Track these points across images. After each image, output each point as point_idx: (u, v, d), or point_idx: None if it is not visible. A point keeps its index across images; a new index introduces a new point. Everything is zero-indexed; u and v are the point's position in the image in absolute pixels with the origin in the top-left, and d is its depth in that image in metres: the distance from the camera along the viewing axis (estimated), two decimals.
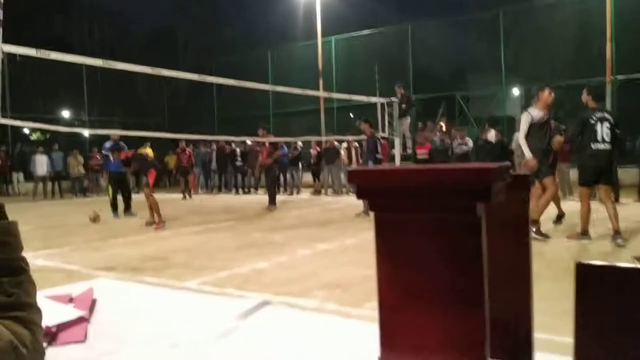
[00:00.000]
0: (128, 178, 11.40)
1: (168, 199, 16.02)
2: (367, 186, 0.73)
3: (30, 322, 0.96)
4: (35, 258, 6.43)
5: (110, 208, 11.01)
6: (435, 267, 0.70)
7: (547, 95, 6.70)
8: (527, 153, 6.53)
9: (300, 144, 16.53)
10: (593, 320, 0.64)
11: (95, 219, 10.17)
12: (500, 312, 0.84)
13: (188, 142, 17.43)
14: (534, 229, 6.44)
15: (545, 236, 6.51)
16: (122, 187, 11.25)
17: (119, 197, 11.14)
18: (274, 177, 12.06)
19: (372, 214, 0.80)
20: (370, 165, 10.33)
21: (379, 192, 0.72)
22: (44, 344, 1.15)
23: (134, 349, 1.14)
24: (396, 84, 14.16)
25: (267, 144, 11.75)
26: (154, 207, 9.24)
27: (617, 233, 6.13)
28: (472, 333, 0.70)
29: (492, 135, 12.74)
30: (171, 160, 19.29)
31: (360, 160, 10.53)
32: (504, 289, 0.85)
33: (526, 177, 0.87)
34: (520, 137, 6.67)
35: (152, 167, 9.67)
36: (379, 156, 10.54)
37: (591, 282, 0.64)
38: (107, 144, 11.12)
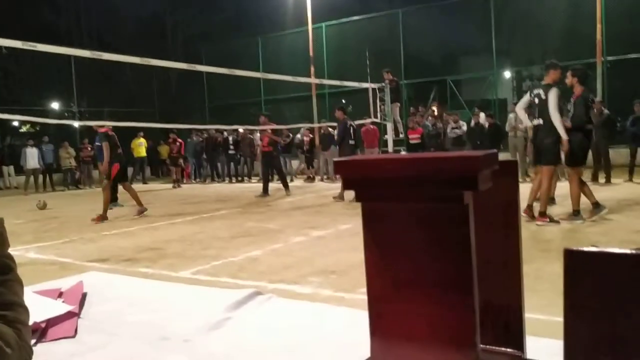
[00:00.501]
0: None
1: (160, 189, 16.00)
2: (353, 177, 0.72)
3: (16, 322, 0.94)
4: (27, 251, 6.40)
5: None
6: (423, 256, 0.70)
7: (559, 73, 6.52)
8: (564, 134, 6.23)
9: (303, 130, 16.48)
10: (582, 305, 0.63)
11: (42, 207, 10.89)
12: (491, 299, 0.84)
13: (178, 131, 17.37)
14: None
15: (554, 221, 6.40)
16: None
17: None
18: (279, 165, 12.06)
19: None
20: (334, 150, 10.68)
21: (365, 182, 0.72)
22: (33, 341, 1.14)
23: (125, 342, 1.13)
24: (384, 70, 14.11)
25: (268, 131, 11.73)
26: (105, 202, 9.03)
27: (576, 212, 6.37)
28: (462, 322, 0.69)
29: (483, 118, 12.79)
30: (163, 150, 19.22)
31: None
32: (495, 276, 0.85)
33: (514, 162, 0.86)
34: (553, 115, 6.22)
35: (118, 160, 9.21)
36: (351, 142, 10.73)
37: (579, 267, 0.63)
38: None
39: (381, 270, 0.73)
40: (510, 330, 0.90)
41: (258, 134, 16.59)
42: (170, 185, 16.77)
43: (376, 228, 0.72)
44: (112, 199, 11.02)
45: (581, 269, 0.63)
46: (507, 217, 0.85)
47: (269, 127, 11.69)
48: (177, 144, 16.84)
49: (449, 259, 0.68)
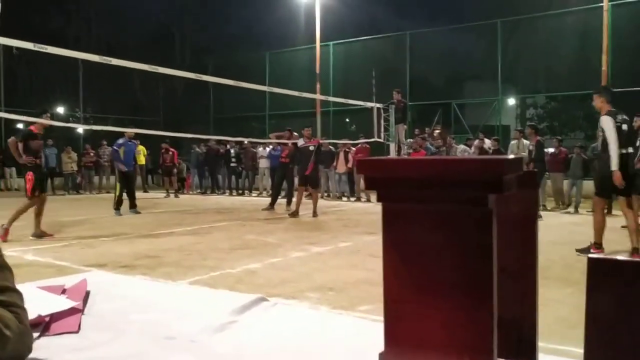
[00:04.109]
0: (136, 175, 11.28)
1: (160, 198, 15.98)
2: (376, 176, 0.72)
3: (12, 305, 0.94)
4: (25, 253, 6.38)
5: (114, 205, 10.89)
6: (443, 259, 0.69)
7: None
8: None
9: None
10: (604, 315, 0.63)
11: None
12: (505, 310, 0.83)
13: (176, 141, 17.33)
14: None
15: None
16: (130, 185, 11.20)
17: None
18: (293, 178, 11.98)
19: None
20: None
21: (388, 182, 0.71)
22: (36, 334, 1.13)
23: (129, 340, 1.12)
24: (395, 90, 14.23)
25: (289, 144, 11.74)
26: (19, 214, 7.54)
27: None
28: (480, 329, 0.68)
29: (488, 143, 12.91)
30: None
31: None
32: (510, 286, 0.84)
33: (534, 173, 0.86)
34: None
35: (31, 169, 7.50)
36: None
37: (603, 276, 0.63)
38: (121, 140, 11.11)
39: (399, 272, 0.72)
40: (523, 344, 0.89)
41: (261, 148, 16.63)
42: (163, 195, 16.68)
43: (396, 229, 0.72)
44: (131, 206, 11.00)
45: (604, 278, 0.63)
46: (525, 227, 0.84)
47: (290, 141, 11.67)
48: (170, 153, 16.74)
49: (469, 263, 0.68)
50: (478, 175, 0.65)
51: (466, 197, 0.66)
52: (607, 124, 5.90)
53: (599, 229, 6.16)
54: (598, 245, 6.15)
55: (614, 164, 5.79)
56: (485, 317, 0.67)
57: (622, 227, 7.57)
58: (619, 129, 5.88)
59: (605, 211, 8.42)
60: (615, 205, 10.55)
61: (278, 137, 12.42)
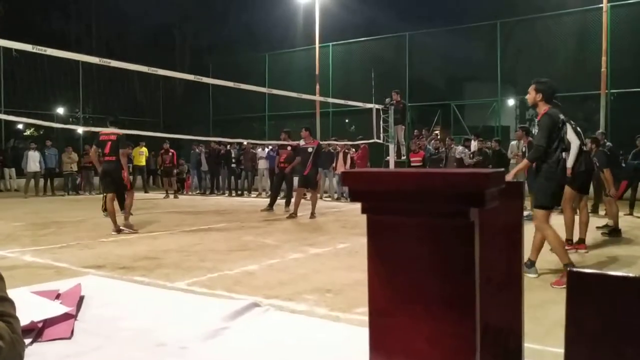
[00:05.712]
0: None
1: (160, 198, 15.98)
2: (360, 189, 0.73)
3: (4, 315, 0.94)
4: (23, 254, 6.38)
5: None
6: (427, 271, 0.70)
7: None
8: None
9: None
10: (584, 326, 0.63)
11: None
12: (491, 320, 0.84)
13: (176, 142, 17.35)
14: None
15: None
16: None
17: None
18: (292, 182, 11.83)
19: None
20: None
21: (372, 194, 0.72)
22: (29, 340, 1.13)
23: (121, 346, 1.12)
24: (393, 91, 14.24)
25: (288, 148, 11.66)
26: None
27: None
28: (463, 339, 0.69)
29: (473, 146, 13.08)
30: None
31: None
32: (496, 296, 0.85)
33: (520, 184, 0.87)
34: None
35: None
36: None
37: (582, 289, 0.64)
38: None
39: (384, 284, 0.73)
40: (509, 354, 0.90)
41: (260, 149, 16.64)
42: (162, 196, 16.68)
43: (381, 241, 0.73)
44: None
45: (584, 291, 0.63)
46: (511, 238, 0.85)
47: (287, 143, 11.60)
48: (170, 154, 16.71)
49: (452, 275, 0.69)
50: (460, 189, 0.66)
51: (448, 210, 0.66)
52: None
53: (570, 226, 6.40)
54: (570, 241, 6.31)
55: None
56: (468, 328, 0.68)
57: (598, 227, 7.86)
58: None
59: (590, 209, 8.69)
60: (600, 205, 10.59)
61: (281, 146, 12.34)
